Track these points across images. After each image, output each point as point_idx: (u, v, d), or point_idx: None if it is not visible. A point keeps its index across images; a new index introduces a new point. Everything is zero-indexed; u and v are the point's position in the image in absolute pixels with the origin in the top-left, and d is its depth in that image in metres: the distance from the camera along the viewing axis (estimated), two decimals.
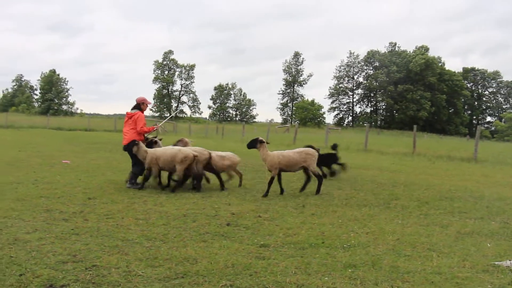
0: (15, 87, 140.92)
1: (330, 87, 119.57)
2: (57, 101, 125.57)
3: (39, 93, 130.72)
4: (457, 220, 8.86)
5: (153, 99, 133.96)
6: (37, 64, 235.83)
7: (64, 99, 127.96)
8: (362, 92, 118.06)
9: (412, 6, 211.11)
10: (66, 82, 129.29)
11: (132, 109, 12.47)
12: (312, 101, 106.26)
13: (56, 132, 44.20)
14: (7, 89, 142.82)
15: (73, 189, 11.05)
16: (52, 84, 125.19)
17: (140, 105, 12.53)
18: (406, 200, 10.93)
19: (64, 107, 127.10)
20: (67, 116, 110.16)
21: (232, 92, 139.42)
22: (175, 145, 12.70)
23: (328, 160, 14.64)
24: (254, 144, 11.31)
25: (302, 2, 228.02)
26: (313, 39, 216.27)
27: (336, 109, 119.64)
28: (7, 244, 6.26)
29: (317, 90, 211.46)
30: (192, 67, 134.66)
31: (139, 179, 11.93)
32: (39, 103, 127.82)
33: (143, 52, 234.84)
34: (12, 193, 10.15)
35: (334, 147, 15.44)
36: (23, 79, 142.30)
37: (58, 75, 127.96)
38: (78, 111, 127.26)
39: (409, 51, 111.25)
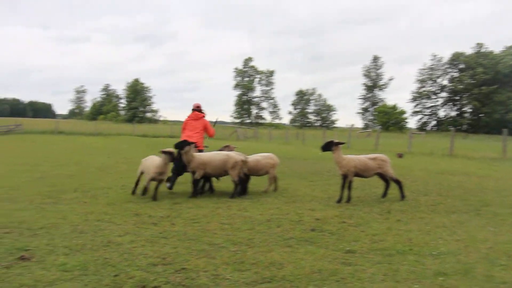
0: (103, 96, 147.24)
1: (412, 91, 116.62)
2: (141, 109, 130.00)
3: (125, 101, 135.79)
4: None
5: (234, 105, 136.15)
6: (124, 73, 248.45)
7: (148, 107, 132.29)
8: (447, 95, 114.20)
9: (500, 5, 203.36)
10: (149, 90, 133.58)
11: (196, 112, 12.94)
12: (394, 105, 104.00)
13: (141, 139, 45.60)
14: (95, 99, 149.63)
15: (159, 194, 11.37)
16: (137, 93, 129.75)
17: (202, 111, 13.05)
18: (498, 207, 10.48)
19: (148, 114, 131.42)
20: (151, 123, 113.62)
21: (312, 98, 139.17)
22: (220, 150, 12.77)
23: None
24: (329, 146, 10.86)
25: (384, 5, 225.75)
26: (395, 42, 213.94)
27: (419, 113, 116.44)
28: (101, 246, 6.55)
29: (399, 94, 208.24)
30: (271, 73, 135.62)
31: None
32: (125, 111, 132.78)
33: (224, 59, 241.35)
34: (103, 198, 10.59)
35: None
36: (110, 88, 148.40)
37: (142, 83, 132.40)
38: (161, 118, 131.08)
39: (498, 52, 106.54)
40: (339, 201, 10.76)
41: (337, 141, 10.98)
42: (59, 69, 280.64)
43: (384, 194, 11.43)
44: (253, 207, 9.94)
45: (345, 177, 10.85)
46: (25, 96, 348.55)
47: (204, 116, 12.93)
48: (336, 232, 7.86)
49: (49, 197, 10.52)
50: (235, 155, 11.50)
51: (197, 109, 13.02)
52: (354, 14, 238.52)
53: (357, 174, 11.01)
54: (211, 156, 11.52)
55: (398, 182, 11.26)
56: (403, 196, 11.21)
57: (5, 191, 11.16)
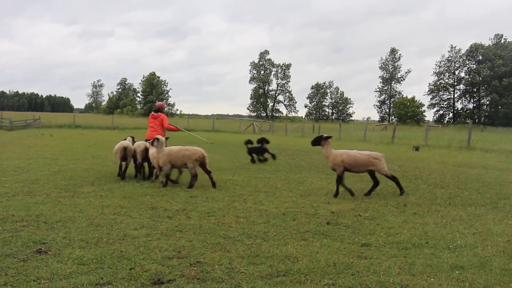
0: (119, 90, 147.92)
1: (429, 83, 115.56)
2: None
3: (141, 95, 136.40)
4: None
5: (250, 98, 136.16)
6: (146, 68, 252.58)
7: (165, 100, 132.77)
8: (464, 88, 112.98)
9: None
10: (166, 84, 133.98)
11: (155, 112, 14.61)
12: (413, 98, 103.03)
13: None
14: (112, 92, 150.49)
15: (175, 187, 11.41)
16: (153, 87, 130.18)
17: (161, 109, 14.84)
18: None
19: (165, 108, 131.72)
20: (168, 117, 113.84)
21: (328, 91, 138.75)
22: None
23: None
24: (318, 141, 10.98)
25: None
26: (417, 34, 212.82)
27: (436, 106, 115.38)
28: (117, 240, 6.59)
29: (418, 87, 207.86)
30: (288, 66, 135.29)
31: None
32: (141, 105, 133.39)
33: (245, 53, 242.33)
34: (119, 192, 10.64)
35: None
36: (126, 82, 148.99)
37: (159, 77, 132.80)
38: (178, 112, 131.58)
39: None
40: (335, 195, 10.67)
41: (325, 135, 11.06)
42: (80, 64, 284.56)
43: (369, 193, 10.97)
44: (269, 201, 9.94)
45: (334, 170, 10.86)
46: (45, 91, 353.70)
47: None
48: (352, 225, 7.83)
49: (66, 191, 10.61)
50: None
51: (159, 108, 14.87)
52: (378, 7, 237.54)
53: (347, 169, 10.84)
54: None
55: (394, 178, 11.00)
56: (401, 191, 10.93)
57: (24, 184, 11.28)
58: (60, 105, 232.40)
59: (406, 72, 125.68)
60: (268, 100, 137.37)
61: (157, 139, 11.85)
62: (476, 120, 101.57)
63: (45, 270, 5.28)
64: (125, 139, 13.81)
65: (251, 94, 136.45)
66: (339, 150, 11.02)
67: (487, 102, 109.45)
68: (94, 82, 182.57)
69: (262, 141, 18.45)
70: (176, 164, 11.65)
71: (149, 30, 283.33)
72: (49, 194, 10.08)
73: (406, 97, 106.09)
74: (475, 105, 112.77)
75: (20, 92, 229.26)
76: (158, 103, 15.39)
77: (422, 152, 25.02)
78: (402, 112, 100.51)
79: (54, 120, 60.21)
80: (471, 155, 23.32)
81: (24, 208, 8.56)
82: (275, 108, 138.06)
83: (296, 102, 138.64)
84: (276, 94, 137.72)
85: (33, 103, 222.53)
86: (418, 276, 5.29)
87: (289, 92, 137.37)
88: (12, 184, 11.24)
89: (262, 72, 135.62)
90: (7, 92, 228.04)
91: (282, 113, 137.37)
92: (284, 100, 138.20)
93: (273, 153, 18.35)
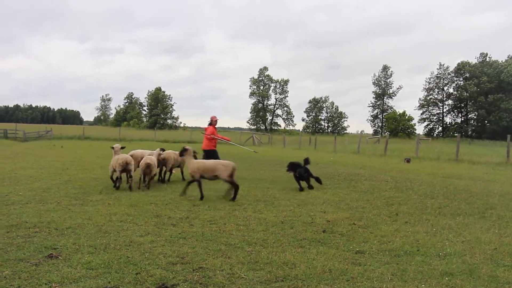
0: (126, 104, 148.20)
1: (420, 99, 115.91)
2: (162, 116, 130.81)
3: (147, 109, 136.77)
4: None
5: (250, 112, 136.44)
6: (153, 83, 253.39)
7: (169, 114, 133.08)
8: (452, 103, 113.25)
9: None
10: (170, 98, 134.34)
11: (208, 125, 16.32)
12: (403, 112, 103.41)
13: (162, 145, 45.78)
14: (119, 106, 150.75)
15: (179, 196, 11.39)
16: (158, 101, 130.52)
17: (211, 121, 16.19)
18: (502, 210, 10.35)
19: (169, 121, 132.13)
20: (172, 129, 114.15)
21: (324, 106, 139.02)
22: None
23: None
24: (182, 152, 12.16)
25: (401, 18, 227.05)
26: (408, 53, 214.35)
27: (426, 120, 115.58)
28: (124, 246, 6.56)
29: (410, 102, 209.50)
30: (286, 82, 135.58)
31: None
32: (147, 118, 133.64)
33: (246, 69, 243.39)
34: (126, 200, 10.62)
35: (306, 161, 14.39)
36: (133, 97, 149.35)
37: (164, 92, 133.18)
38: (181, 125, 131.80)
39: (501, 61, 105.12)
40: (181, 194, 11.68)
41: (187, 147, 12.30)
42: (90, 79, 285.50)
43: (233, 197, 11.21)
44: (268, 210, 9.92)
45: (192, 176, 11.63)
46: (57, 104, 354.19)
47: (213, 125, 16.13)
48: (346, 233, 7.81)
49: (76, 199, 10.58)
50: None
51: (210, 121, 16.25)
52: (371, 28, 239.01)
53: (203, 176, 11.53)
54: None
55: (235, 187, 11.33)
56: (234, 198, 11.16)
57: (36, 193, 11.24)
58: (70, 118, 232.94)
59: (398, 88, 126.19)
60: (267, 114, 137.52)
61: (112, 147, 13.19)
62: (464, 134, 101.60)
63: (56, 274, 5.27)
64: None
65: (251, 108, 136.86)
66: (197, 160, 12.05)
67: (475, 117, 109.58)
68: (102, 96, 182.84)
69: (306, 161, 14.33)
70: (114, 168, 12.71)
71: (156, 47, 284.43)
72: (60, 202, 10.05)
73: (396, 111, 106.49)
74: (463, 119, 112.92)
75: (33, 105, 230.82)
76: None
77: (413, 164, 24.99)
78: (393, 126, 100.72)
79: (65, 132, 60.26)
80: (459, 167, 23.29)
81: (37, 215, 8.53)
82: (273, 122, 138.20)
83: (293, 116, 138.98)
84: (275, 108, 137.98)
85: (45, 116, 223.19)
86: (409, 282, 5.28)
87: (287, 106, 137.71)
88: (25, 192, 11.21)
89: (262, 87, 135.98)
90: (22, 105, 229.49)
91: (280, 126, 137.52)
92: (282, 114, 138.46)
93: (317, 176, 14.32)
